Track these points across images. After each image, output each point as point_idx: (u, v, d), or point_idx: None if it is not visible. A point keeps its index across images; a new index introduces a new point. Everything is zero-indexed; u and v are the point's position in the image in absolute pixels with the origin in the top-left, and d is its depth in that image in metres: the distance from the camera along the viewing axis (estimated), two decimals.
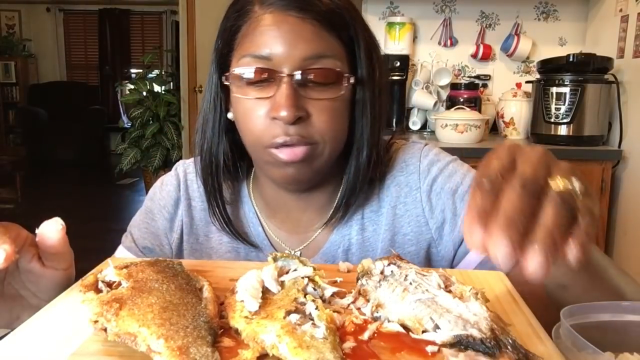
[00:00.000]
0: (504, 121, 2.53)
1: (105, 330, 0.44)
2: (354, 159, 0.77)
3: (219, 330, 0.46)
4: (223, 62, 0.77)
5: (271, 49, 0.69)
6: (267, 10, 0.71)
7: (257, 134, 0.72)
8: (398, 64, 2.54)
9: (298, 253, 0.84)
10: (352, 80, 0.72)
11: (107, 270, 0.52)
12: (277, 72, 0.69)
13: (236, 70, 0.72)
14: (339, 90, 0.71)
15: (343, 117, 0.74)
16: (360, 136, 0.76)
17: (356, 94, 0.75)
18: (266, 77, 0.70)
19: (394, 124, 2.57)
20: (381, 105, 0.78)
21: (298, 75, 0.69)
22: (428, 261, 0.82)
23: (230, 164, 0.81)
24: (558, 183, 0.41)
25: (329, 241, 0.83)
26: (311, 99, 0.70)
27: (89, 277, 0.52)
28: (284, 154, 0.70)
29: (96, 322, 0.44)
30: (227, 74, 0.75)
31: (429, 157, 0.84)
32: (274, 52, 0.69)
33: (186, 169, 0.89)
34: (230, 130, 0.79)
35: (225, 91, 0.78)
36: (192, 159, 0.89)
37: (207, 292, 0.50)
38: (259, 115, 0.71)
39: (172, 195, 0.87)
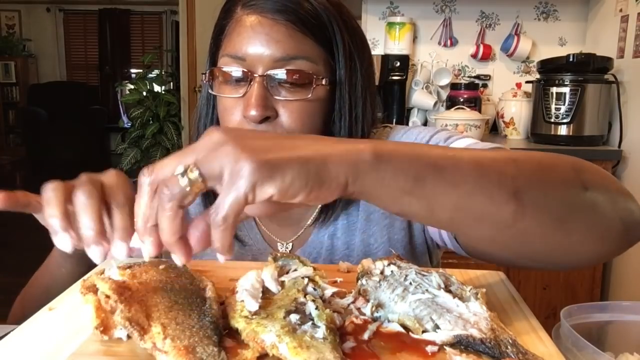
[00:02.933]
0: (504, 121, 2.53)
1: (102, 324, 0.44)
2: None
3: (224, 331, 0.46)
4: (212, 60, 0.79)
5: (246, 50, 0.72)
6: (246, 11, 0.73)
7: None
8: (398, 64, 2.54)
9: (290, 245, 0.85)
10: (324, 82, 0.73)
11: (111, 271, 0.52)
12: (250, 72, 0.72)
13: (214, 69, 0.76)
14: (310, 92, 0.72)
15: (315, 118, 0.75)
16: (339, 137, 0.76)
17: (334, 95, 0.76)
18: (240, 76, 0.73)
19: (393, 124, 2.57)
20: (365, 106, 0.78)
21: (268, 75, 0.71)
22: (411, 235, 0.84)
23: None
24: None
25: (316, 228, 0.84)
26: (282, 99, 0.72)
27: (90, 278, 0.52)
28: None
29: (108, 297, 0.44)
30: (204, 72, 0.78)
31: (398, 135, 0.86)
32: (248, 53, 0.72)
33: None
34: None
35: None
36: None
37: (210, 292, 0.50)
38: (233, 114, 0.74)
39: None
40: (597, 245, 0.55)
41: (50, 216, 0.51)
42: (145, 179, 0.44)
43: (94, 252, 0.48)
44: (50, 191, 0.53)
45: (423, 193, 0.47)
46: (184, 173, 0.41)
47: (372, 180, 0.45)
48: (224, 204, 0.41)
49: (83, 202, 0.49)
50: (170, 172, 0.43)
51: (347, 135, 0.77)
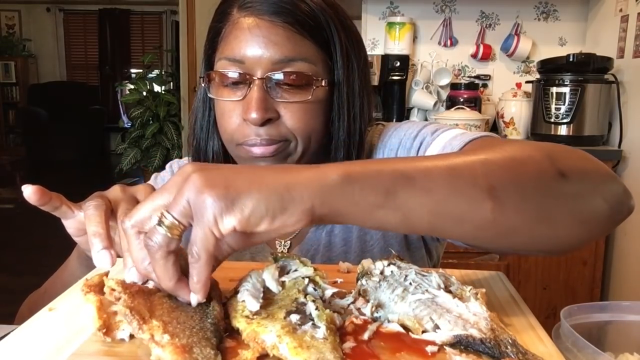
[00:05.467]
0: (504, 121, 2.53)
1: (105, 326, 0.44)
2: (332, 159, 0.78)
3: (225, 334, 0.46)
4: (208, 63, 0.79)
5: (244, 53, 0.72)
6: (243, 14, 0.73)
7: (230, 133, 0.75)
8: (398, 64, 2.54)
9: (288, 243, 0.85)
10: (324, 83, 0.74)
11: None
12: (249, 75, 0.72)
13: (211, 72, 0.75)
14: (310, 93, 0.72)
15: (316, 118, 0.75)
16: (337, 136, 0.77)
17: (333, 95, 0.76)
18: (239, 79, 0.73)
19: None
20: (362, 105, 0.78)
21: (268, 77, 0.71)
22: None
23: (220, 160, 0.83)
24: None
25: (313, 226, 0.84)
26: (282, 101, 0.72)
27: (93, 278, 0.51)
28: (256, 149, 0.73)
29: (113, 290, 0.45)
30: (201, 76, 0.78)
31: (389, 132, 0.85)
32: (247, 56, 0.72)
33: (180, 165, 0.90)
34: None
35: None
36: (186, 158, 0.91)
37: (214, 293, 0.50)
38: (232, 116, 0.74)
39: None
40: (582, 230, 0.55)
41: (93, 234, 0.54)
42: (127, 223, 0.47)
43: (132, 275, 0.49)
44: (92, 209, 0.55)
45: (396, 204, 0.48)
46: (160, 222, 0.44)
47: (341, 200, 0.46)
48: (195, 240, 0.43)
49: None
50: (144, 216, 0.46)
51: (346, 134, 0.77)
